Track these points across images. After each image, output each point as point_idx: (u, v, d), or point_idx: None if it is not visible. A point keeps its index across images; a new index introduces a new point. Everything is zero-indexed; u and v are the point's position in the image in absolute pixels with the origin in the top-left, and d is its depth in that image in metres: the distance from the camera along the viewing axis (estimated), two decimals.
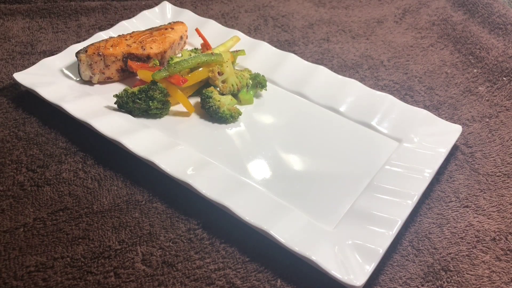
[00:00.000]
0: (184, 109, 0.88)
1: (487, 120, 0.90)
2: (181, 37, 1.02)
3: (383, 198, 0.72)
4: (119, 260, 0.66)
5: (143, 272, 0.64)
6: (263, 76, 0.94)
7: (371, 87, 0.95)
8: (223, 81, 0.91)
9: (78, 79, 0.94)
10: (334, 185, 0.76)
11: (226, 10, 1.23)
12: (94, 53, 0.90)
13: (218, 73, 0.90)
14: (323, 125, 0.87)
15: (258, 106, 0.92)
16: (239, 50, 0.99)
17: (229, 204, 0.69)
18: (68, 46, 1.01)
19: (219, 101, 0.87)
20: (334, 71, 0.98)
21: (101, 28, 1.12)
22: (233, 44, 0.99)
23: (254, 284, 0.63)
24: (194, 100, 0.91)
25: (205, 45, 0.98)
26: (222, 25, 1.11)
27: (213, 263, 0.66)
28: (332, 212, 0.72)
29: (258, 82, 0.93)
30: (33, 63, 0.97)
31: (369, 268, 0.62)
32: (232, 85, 0.91)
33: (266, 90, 0.94)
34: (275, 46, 1.06)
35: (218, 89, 0.90)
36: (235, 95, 0.92)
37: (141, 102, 0.85)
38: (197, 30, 1.00)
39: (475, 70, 1.03)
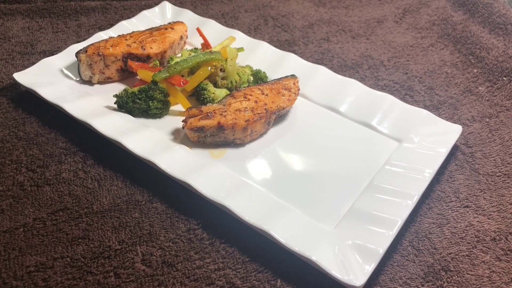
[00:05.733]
0: (184, 109, 0.88)
1: (487, 120, 0.90)
2: (181, 37, 1.02)
3: (383, 198, 0.72)
4: (119, 260, 0.66)
5: (143, 272, 0.64)
6: (264, 72, 0.94)
7: (371, 87, 0.95)
8: (223, 78, 0.91)
9: (78, 79, 0.94)
10: (334, 185, 0.76)
11: (226, 10, 1.23)
12: (94, 53, 0.90)
13: (221, 69, 0.91)
14: (323, 125, 0.87)
15: None
16: (238, 48, 0.99)
17: (229, 204, 0.69)
18: (68, 46, 1.01)
19: (213, 93, 0.87)
20: (334, 71, 0.98)
21: (101, 28, 1.12)
22: (228, 44, 0.99)
23: (254, 284, 0.63)
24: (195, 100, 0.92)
25: (206, 45, 0.99)
26: (222, 25, 1.11)
27: (213, 263, 0.66)
28: (332, 212, 0.72)
29: (259, 78, 0.94)
30: (33, 63, 0.97)
31: (369, 268, 0.62)
32: (231, 82, 0.91)
33: None
34: (275, 46, 1.06)
35: (215, 82, 0.91)
36: (231, 90, 0.92)
37: (141, 102, 0.85)
38: (198, 29, 1.00)
39: (475, 70, 1.03)
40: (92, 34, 1.08)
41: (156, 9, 1.14)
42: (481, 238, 0.70)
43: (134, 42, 0.94)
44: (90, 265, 0.65)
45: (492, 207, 0.75)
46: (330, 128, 0.87)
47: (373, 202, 0.71)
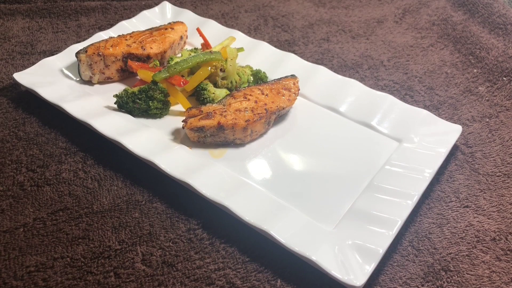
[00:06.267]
0: (184, 109, 0.88)
1: (487, 120, 0.90)
2: (181, 37, 1.02)
3: (383, 198, 0.72)
4: (119, 260, 0.66)
5: (143, 272, 0.64)
6: (264, 72, 0.94)
7: (371, 87, 0.95)
8: (223, 78, 0.91)
9: (78, 79, 0.94)
10: (334, 185, 0.76)
11: (226, 10, 1.23)
12: (94, 53, 0.90)
13: (221, 69, 0.91)
14: (323, 125, 0.87)
15: None
16: (238, 48, 0.99)
17: (229, 204, 0.69)
18: (68, 46, 1.01)
19: (213, 93, 0.87)
20: (334, 71, 0.98)
21: (101, 28, 1.12)
22: (228, 44, 0.99)
23: (254, 284, 0.63)
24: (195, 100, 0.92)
25: (206, 45, 0.99)
26: (222, 25, 1.11)
27: (213, 263, 0.66)
28: (332, 212, 0.72)
29: (259, 79, 0.94)
30: (33, 63, 0.97)
31: (369, 268, 0.62)
32: (231, 82, 0.91)
33: None
34: (275, 46, 1.06)
35: (215, 82, 0.91)
36: (231, 90, 0.92)
37: (141, 102, 0.85)
38: (198, 29, 1.00)
39: (475, 70, 1.03)
40: (92, 34, 1.08)
41: (156, 9, 1.14)
42: (481, 238, 0.70)
43: (134, 42, 0.94)
44: (90, 265, 0.65)
45: (492, 207, 0.75)
46: (330, 128, 0.87)
47: (373, 202, 0.71)
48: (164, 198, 0.74)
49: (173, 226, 0.70)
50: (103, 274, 0.64)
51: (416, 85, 0.99)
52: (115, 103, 0.87)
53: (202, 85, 0.89)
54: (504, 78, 0.99)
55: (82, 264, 0.65)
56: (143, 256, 0.66)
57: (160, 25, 1.02)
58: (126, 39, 0.95)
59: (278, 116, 0.87)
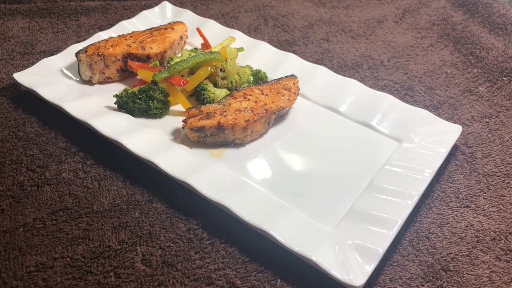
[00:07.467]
0: (184, 109, 0.88)
1: (487, 120, 0.90)
2: (181, 37, 1.02)
3: (383, 198, 0.72)
4: (119, 260, 0.66)
5: (143, 272, 0.64)
6: (264, 72, 0.94)
7: (371, 87, 0.95)
8: (223, 78, 0.91)
9: (78, 79, 0.94)
10: (334, 185, 0.76)
11: (226, 10, 1.23)
12: (94, 53, 0.90)
13: (221, 69, 0.91)
14: (323, 125, 0.87)
15: None
16: (238, 48, 0.99)
17: (229, 204, 0.69)
18: (68, 46, 1.01)
19: (213, 93, 0.87)
20: (334, 71, 0.98)
21: (101, 28, 1.12)
22: (228, 44, 0.99)
23: (254, 284, 0.63)
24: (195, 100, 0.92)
25: (206, 45, 0.99)
26: (222, 25, 1.11)
27: (213, 263, 0.66)
28: (332, 212, 0.72)
29: (259, 79, 0.94)
30: (33, 63, 0.97)
31: (369, 268, 0.62)
32: (231, 82, 0.91)
33: None
34: (275, 46, 1.06)
35: (215, 82, 0.91)
36: (231, 90, 0.92)
37: (141, 102, 0.85)
38: (198, 29, 1.00)
39: (475, 70, 1.03)
40: (92, 34, 1.08)
41: (156, 9, 1.14)
42: (481, 238, 0.70)
43: (134, 42, 0.94)
44: (90, 265, 0.65)
45: (492, 207, 0.75)
46: (330, 128, 0.87)
47: (373, 202, 0.71)
48: (164, 198, 0.74)
49: (173, 226, 0.70)
50: (103, 274, 0.64)
51: (416, 85, 0.99)
52: (115, 103, 0.87)
53: (202, 85, 0.89)
54: (504, 78, 0.99)
55: (82, 264, 0.65)
56: (143, 256, 0.66)
57: (160, 25, 1.02)
58: (126, 39, 0.95)
59: (278, 116, 0.87)
